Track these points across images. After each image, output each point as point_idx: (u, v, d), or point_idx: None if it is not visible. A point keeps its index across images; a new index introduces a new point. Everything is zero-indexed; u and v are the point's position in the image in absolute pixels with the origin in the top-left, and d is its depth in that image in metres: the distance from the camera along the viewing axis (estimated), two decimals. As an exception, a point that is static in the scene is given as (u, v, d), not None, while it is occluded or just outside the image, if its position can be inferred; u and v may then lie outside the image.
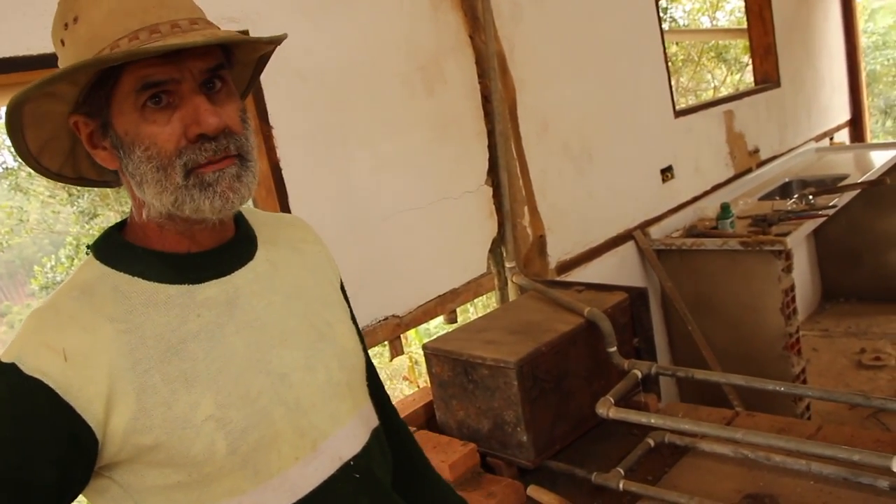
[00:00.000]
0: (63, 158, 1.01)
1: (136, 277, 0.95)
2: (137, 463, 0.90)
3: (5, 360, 0.86)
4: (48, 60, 1.71)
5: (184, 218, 0.94)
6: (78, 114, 0.93)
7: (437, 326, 8.85)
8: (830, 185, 4.43)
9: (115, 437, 0.87)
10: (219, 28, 0.94)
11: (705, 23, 15.02)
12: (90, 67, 0.85)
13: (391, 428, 1.27)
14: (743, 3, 5.38)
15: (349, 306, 1.25)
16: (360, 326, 2.44)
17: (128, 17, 0.87)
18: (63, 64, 0.93)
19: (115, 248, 0.98)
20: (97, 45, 0.87)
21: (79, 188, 11.59)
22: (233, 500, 0.94)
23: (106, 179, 1.06)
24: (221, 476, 0.92)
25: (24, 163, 0.97)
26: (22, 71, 1.69)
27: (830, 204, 3.86)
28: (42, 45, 1.71)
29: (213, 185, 0.91)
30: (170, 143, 0.89)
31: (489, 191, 2.91)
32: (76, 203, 11.88)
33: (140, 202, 0.96)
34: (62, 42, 0.92)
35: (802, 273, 4.97)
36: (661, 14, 4.01)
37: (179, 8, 0.91)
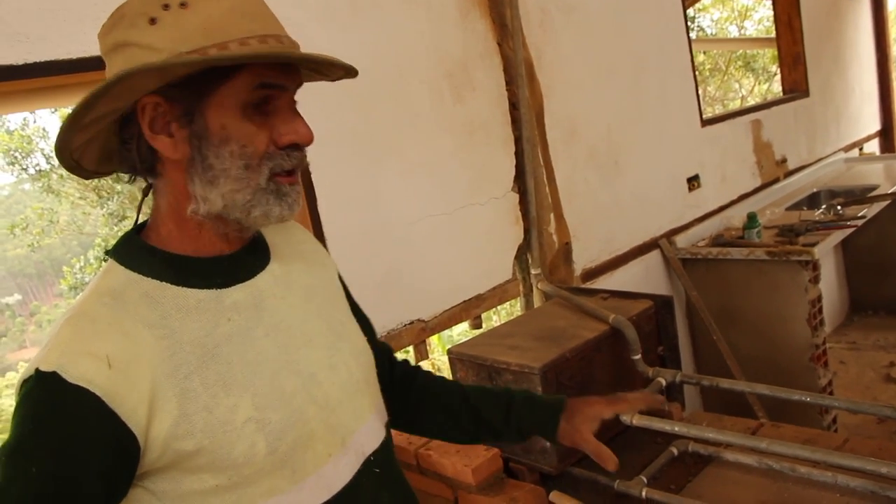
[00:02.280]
0: (85, 140, 0.98)
1: (164, 282, 0.95)
2: (175, 469, 0.90)
3: (44, 368, 0.84)
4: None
5: (231, 220, 0.96)
6: (158, 95, 0.91)
7: (459, 333, 8.87)
8: (859, 195, 4.38)
9: (155, 444, 0.87)
10: None
11: (733, 32, 14.94)
12: (264, 58, 0.90)
13: (394, 363, 1.39)
14: (771, 13, 5.35)
15: (350, 295, 1.28)
16: (387, 330, 2.47)
17: (250, 20, 0.91)
18: (152, 42, 0.89)
19: (137, 253, 0.98)
20: (216, 36, 0.88)
21: (108, 190, 11.75)
22: (271, 501, 0.95)
23: (100, 171, 1.04)
24: (261, 477, 0.93)
25: (67, 132, 0.93)
26: (65, 74, 1.73)
27: (859, 215, 3.83)
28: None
29: (286, 196, 0.96)
30: (262, 145, 0.93)
31: (516, 197, 2.92)
32: (105, 205, 12.04)
33: (190, 198, 0.96)
34: (152, 21, 0.89)
35: (830, 284, 4.92)
36: (689, 23, 4.00)
37: (280, 27, 0.95)
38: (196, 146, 0.93)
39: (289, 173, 0.97)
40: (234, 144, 0.92)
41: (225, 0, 0.90)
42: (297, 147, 0.97)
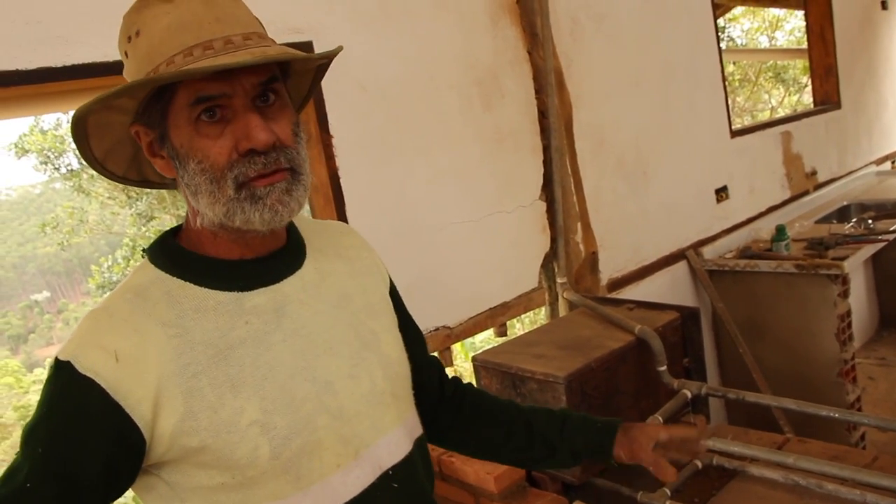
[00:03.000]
0: (127, 164, 1.05)
1: (187, 283, 0.98)
2: (184, 463, 0.93)
3: (62, 357, 0.90)
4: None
5: (235, 227, 0.96)
6: (138, 124, 0.96)
7: (482, 341, 8.86)
8: (891, 209, 4.33)
9: (162, 438, 0.90)
10: (272, 42, 0.96)
11: (764, 42, 14.82)
12: (143, 87, 0.89)
13: (445, 380, 1.37)
14: (803, 24, 5.30)
15: (403, 307, 1.27)
16: (411, 335, 2.44)
17: (184, 33, 0.90)
18: (127, 74, 0.96)
19: (169, 252, 1.01)
20: (155, 59, 0.91)
21: (137, 191, 11.90)
22: None
23: (166, 182, 1.09)
24: (264, 480, 0.94)
25: (91, 168, 1.01)
26: (102, 76, 1.76)
27: (891, 229, 3.77)
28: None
29: (263, 199, 0.93)
30: (221, 156, 0.92)
31: (543, 206, 2.92)
32: (134, 205, 12.22)
33: (195, 210, 0.99)
34: (126, 54, 0.96)
35: (859, 299, 4.85)
36: (719, 33, 3.98)
37: (234, 23, 0.93)
38: (176, 166, 0.96)
39: (265, 175, 0.93)
40: (192, 161, 0.93)
41: (164, 17, 0.91)
42: (257, 152, 0.92)
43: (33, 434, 0.89)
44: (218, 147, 0.92)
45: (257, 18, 0.98)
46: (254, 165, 0.92)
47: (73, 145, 0.95)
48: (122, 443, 0.89)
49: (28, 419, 0.92)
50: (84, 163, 0.99)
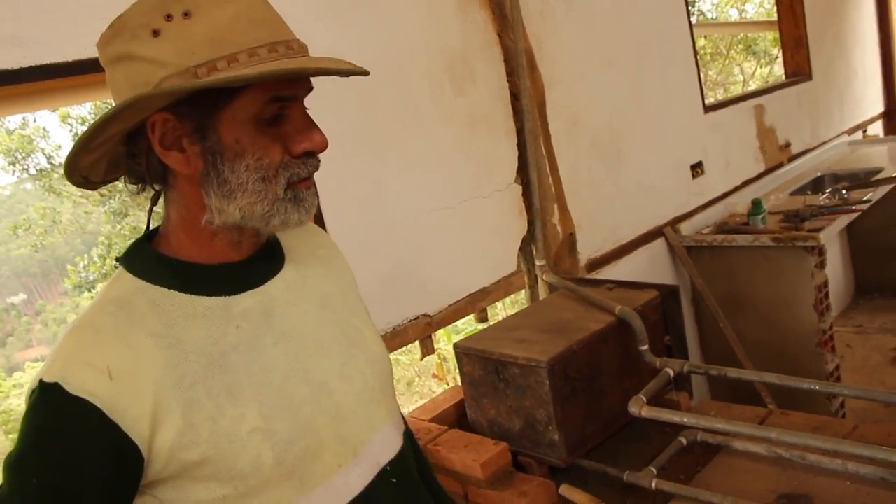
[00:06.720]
0: (93, 160, 0.97)
1: (171, 290, 0.95)
2: (182, 479, 0.90)
3: (47, 379, 0.85)
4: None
5: (244, 228, 0.96)
6: (168, 112, 0.90)
7: (465, 323, 8.87)
8: (864, 178, 4.37)
9: (160, 454, 0.87)
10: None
11: (734, 15, 14.86)
12: (264, 78, 0.85)
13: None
14: (773, -4, 5.32)
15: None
16: (392, 326, 2.46)
17: (256, 26, 0.88)
18: (149, 53, 0.87)
19: (146, 260, 0.98)
20: (222, 47, 0.86)
21: (110, 188, 11.75)
22: None
23: (107, 180, 1.02)
24: (268, 487, 0.93)
25: (73, 153, 0.92)
26: (60, 77, 1.72)
27: (864, 198, 3.81)
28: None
29: (304, 201, 0.96)
30: (277, 155, 0.92)
31: (519, 189, 2.91)
32: (108, 203, 12.06)
33: (204, 208, 0.95)
34: (155, 32, 0.86)
35: (835, 268, 4.91)
36: (690, 7, 3.98)
37: (288, 30, 0.93)
38: (210, 161, 0.91)
39: (305, 178, 0.96)
40: (249, 158, 0.91)
41: (229, 6, 0.87)
42: (312, 154, 0.95)
43: (22, 464, 0.84)
44: (275, 146, 0.92)
45: None
46: (308, 168, 0.95)
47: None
48: (121, 464, 0.85)
49: (12, 450, 0.86)
50: (81, 140, 0.90)
